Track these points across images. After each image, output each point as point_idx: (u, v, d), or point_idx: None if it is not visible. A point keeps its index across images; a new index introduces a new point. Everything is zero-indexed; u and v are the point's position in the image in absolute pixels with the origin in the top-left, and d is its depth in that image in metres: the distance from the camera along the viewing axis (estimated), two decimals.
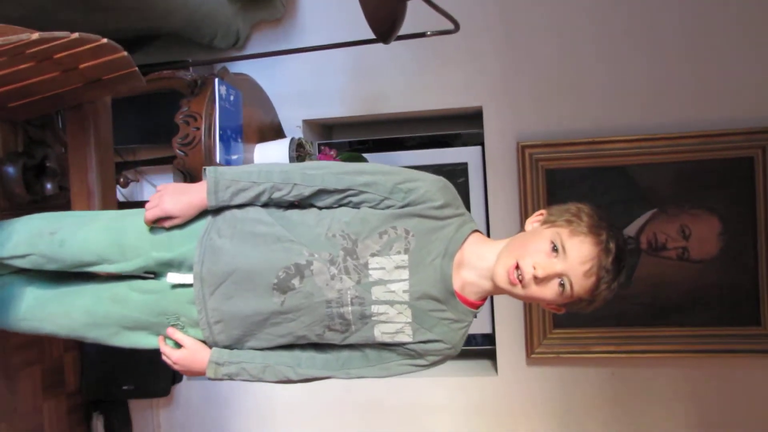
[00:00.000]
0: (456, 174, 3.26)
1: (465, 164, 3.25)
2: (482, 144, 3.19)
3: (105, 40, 1.54)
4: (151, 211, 1.56)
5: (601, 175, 3.06)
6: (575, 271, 1.39)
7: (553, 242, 1.40)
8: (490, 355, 3.32)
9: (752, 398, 3.05)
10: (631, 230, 3.05)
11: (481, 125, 3.19)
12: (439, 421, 3.29)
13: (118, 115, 2.32)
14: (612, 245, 1.39)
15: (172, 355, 1.58)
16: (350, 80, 3.23)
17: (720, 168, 2.98)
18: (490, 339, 3.23)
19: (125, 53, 1.64)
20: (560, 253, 1.40)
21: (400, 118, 3.41)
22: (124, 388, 3.20)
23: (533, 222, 1.52)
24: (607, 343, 3.08)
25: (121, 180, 2.65)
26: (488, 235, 3.13)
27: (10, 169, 2.39)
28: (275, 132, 2.78)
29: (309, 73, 3.21)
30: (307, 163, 1.63)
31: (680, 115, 3.00)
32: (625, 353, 3.07)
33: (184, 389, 3.38)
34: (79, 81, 1.79)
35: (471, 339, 3.28)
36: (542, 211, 1.53)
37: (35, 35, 1.36)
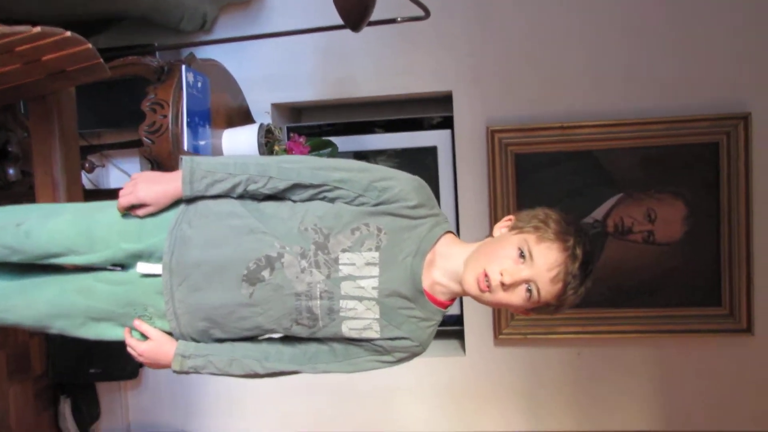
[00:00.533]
0: (425, 158, 3.27)
1: (434, 148, 3.26)
2: (452, 128, 3.19)
3: (68, 33, 1.50)
4: (125, 198, 1.54)
5: (569, 160, 3.09)
6: (542, 277, 1.40)
7: (520, 248, 1.41)
8: (459, 336, 3.35)
9: (712, 376, 3.13)
10: (598, 214, 3.09)
11: (451, 108, 3.19)
12: (407, 401, 3.33)
13: (82, 98, 2.28)
14: (579, 251, 1.41)
15: (137, 347, 1.57)
16: (320, 64, 3.21)
17: (686, 153, 3.02)
18: (458, 320, 3.26)
19: (89, 45, 1.60)
20: (527, 260, 1.41)
21: (369, 101, 3.40)
22: (92, 371, 3.19)
23: (501, 227, 1.52)
24: (573, 324, 3.13)
25: (86, 165, 2.61)
26: (456, 219, 3.17)
27: None
28: (244, 117, 2.76)
29: (278, 57, 3.18)
30: (284, 157, 1.63)
31: (648, 101, 3.02)
32: (591, 334, 3.13)
33: (152, 372, 3.37)
34: (41, 73, 1.75)
35: None
36: (510, 216, 1.53)
37: None
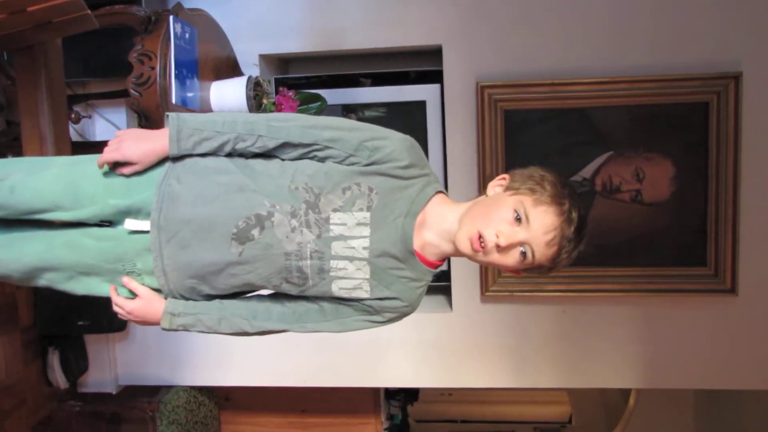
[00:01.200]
0: (414, 112, 3.24)
1: (423, 102, 3.24)
2: (441, 82, 3.16)
3: None
4: (109, 154, 1.51)
5: (559, 117, 3.08)
6: (538, 240, 1.40)
7: (516, 211, 1.40)
8: (446, 292, 3.38)
9: (696, 335, 3.17)
10: (586, 172, 3.09)
11: (440, 62, 3.15)
12: (394, 355, 3.36)
13: (67, 47, 2.23)
14: (574, 215, 1.40)
15: (126, 306, 1.55)
16: (308, 14, 3.16)
17: (676, 112, 3.01)
18: (445, 276, 3.27)
19: None
20: (523, 222, 1.40)
21: (358, 53, 3.35)
22: (80, 323, 3.19)
23: (495, 186, 1.51)
24: (560, 282, 3.15)
25: (72, 116, 2.56)
26: (444, 175, 3.16)
27: None
28: (231, 68, 2.71)
29: (265, 7, 3.13)
30: (273, 115, 1.60)
31: (639, 59, 3.00)
32: (577, 292, 3.16)
33: (140, 326, 3.38)
34: (27, 23, 1.71)
35: None
36: (505, 175, 1.51)
37: None
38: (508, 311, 3.26)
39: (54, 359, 3.25)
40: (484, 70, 3.08)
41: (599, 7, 3.01)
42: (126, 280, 1.55)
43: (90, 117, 3.06)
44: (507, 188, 1.48)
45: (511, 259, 1.42)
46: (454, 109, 3.14)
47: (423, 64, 3.34)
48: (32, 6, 1.57)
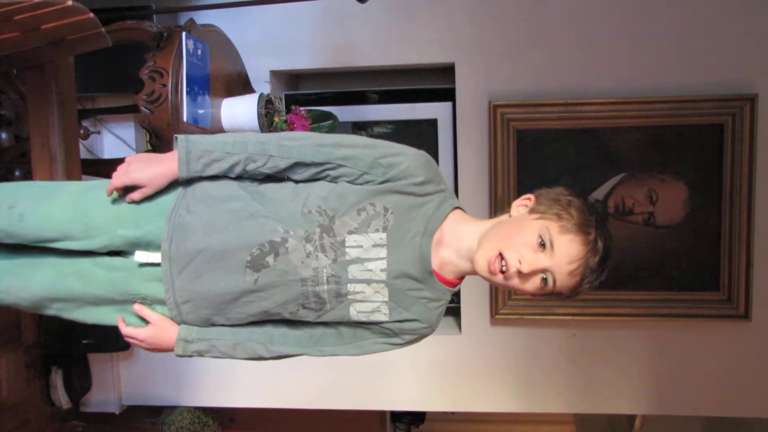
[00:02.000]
0: (425, 130, 3.21)
1: (435, 120, 3.21)
2: (453, 100, 3.13)
3: (70, 2, 1.43)
4: (119, 179, 1.48)
5: (572, 138, 3.04)
6: (561, 269, 1.36)
7: (541, 236, 1.36)
8: (455, 314, 3.33)
9: (709, 361, 3.12)
10: (599, 194, 3.05)
11: (452, 80, 3.13)
12: (402, 377, 3.31)
13: (76, 61, 2.20)
14: (600, 245, 1.36)
15: (138, 335, 1.51)
16: (320, 30, 3.14)
17: (690, 134, 2.98)
18: (455, 297, 3.22)
19: (91, 15, 1.53)
20: (547, 249, 1.36)
21: (369, 70, 3.33)
22: (84, 342, 3.15)
23: (519, 206, 1.46)
24: (570, 306, 3.10)
25: (81, 131, 2.54)
26: (456, 194, 3.12)
27: None
28: (243, 85, 2.69)
29: (277, 23, 3.11)
30: (284, 134, 1.56)
31: (654, 80, 2.98)
32: (588, 316, 3.11)
33: None
34: (41, 41, 1.68)
35: None
36: (530, 196, 1.47)
37: None
38: (518, 334, 3.21)
39: (57, 378, 3.20)
40: (496, 89, 3.06)
41: (614, 27, 2.99)
42: (138, 307, 1.51)
43: (99, 132, 3.03)
44: (532, 210, 1.43)
45: (531, 285, 1.38)
46: (465, 128, 3.11)
47: (435, 82, 3.32)
48: (47, 24, 1.54)
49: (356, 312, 1.45)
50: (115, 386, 3.43)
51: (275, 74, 3.21)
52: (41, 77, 1.85)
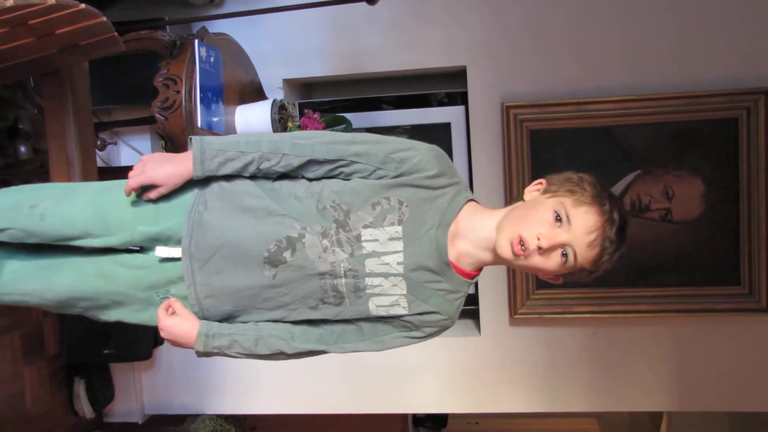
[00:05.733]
0: (439, 134, 3.22)
1: (448, 124, 3.21)
2: (466, 103, 3.15)
3: (83, 6, 1.46)
4: (135, 179, 1.50)
5: (586, 136, 3.04)
6: (580, 241, 1.37)
7: (556, 212, 1.38)
8: (474, 315, 3.33)
9: (731, 356, 3.09)
10: (615, 191, 3.03)
11: (464, 84, 3.14)
12: (423, 380, 3.31)
13: (91, 74, 2.24)
14: (616, 215, 1.37)
15: (163, 320, 1.50)
16: (330, 38, 3.16)
17: (704, 129, 2.97)
18: (473, 299, 3.23)
19: (104, 18, 1.57)
20: (564, 223, 1.37)
21: (381, 76, 3.35)
22: (106, 351, 3.17)
23: (532, 191, 1.48)
24: (590, 304, 3.10)
25: (98, 143, 2.58)
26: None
27: None
28: (256, 92, 2.72)
29: (289, 31, 3.13)
30: (297, 133, 1.58)
31: (666, 76, 2.97)
32: (607, 313, 3.10)
33: (165, 352, 3.36)
34: (55, 47, 1.71)
35: None
36: (541, 180, 1.49)
37: (9, 1, 1.29)
38: (538, 334, 3.20)
39: (80, 389, 3.23)
40: (508, 91, 3.07)
41: (624, 25, 2.99)
42: (173, 301, 1.51)
43: (115, 144, 3.07)
44: (545, 191, 1.45)
45: (552, 262, 1.39)
46: (479, 131, 3.12)
47: (447, 86, 3.33)
48: (60, 29, 1.57)
49: (375, 306, 1.47)
50: (137, 396, 3.45)
51: (288, 83, 3.24)
52: (57, 83, 1.89)
